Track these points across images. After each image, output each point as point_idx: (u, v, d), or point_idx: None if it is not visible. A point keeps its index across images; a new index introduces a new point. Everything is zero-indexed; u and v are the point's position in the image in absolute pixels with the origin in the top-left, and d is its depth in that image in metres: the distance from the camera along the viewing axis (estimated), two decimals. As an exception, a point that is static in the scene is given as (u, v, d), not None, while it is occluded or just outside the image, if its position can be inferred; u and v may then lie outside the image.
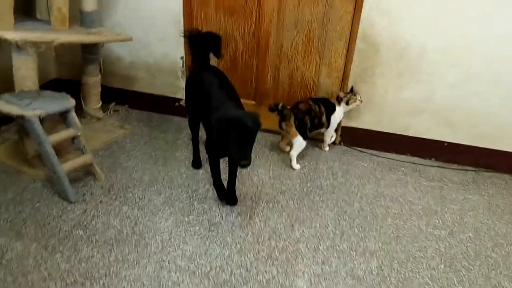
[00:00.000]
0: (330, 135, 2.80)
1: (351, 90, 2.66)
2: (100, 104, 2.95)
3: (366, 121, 2.80)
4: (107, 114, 3.05)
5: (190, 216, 2.15)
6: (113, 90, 3.13)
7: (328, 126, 2.71)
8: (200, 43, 2.28)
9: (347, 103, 2.65)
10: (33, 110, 2.08)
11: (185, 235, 2.02)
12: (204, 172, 2.51)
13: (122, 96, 3.17)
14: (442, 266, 1.93)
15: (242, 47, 2.82)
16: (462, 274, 1.89)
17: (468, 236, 2.14)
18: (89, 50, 2.74)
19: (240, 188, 2.36)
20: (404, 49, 2.55)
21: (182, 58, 2.95)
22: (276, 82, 2.87)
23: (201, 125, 2.36)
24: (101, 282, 1.72)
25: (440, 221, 2.24)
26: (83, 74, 2.81)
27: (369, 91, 2.71)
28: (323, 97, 2.75)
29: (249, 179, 2.47)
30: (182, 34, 2.66)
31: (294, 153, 2.60)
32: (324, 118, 2.65)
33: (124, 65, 3.10)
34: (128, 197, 2.25)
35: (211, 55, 2.33)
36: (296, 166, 2.61)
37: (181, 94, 3.05)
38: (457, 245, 2.07)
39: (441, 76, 2.57)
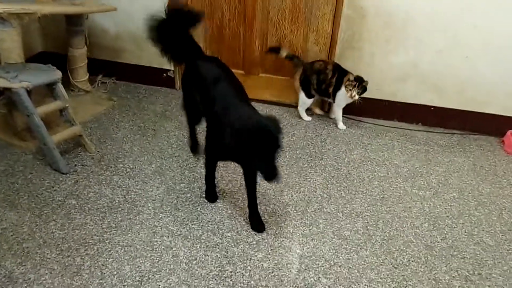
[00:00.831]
0: (336, 111, 2.75)
1: (360, 81, 2.53)
2: (87, 76, 2.93)
3: (354, 88, 2.82)
4: (94, 86, 3.04)
5: (181, 184, 2.18)
6: (100, 62, 3.10)
7: (334, 100, 2.70)
8: (185, 25, 2.04)
9: (345, 87, 2.57)
10: (20, 83, 2.07)
11: (177, 202, 2.06)
12: (194, 142, 2.53)
13: (109, 68, 3.15)
14: (426, 224, 2.00)
15: (229, 15, 2.80)
16: (445, 232, 1.97)
17: (452, 196, 2.20)
18: (74, 22, 2.70)
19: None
20: (390, 15, 2.54)
21: (168, 28, 2.92)
22: (264, 50, 2.86)
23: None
24: (95, 248, 1.77)
25: (425, 182, 2.30)
26: (68, 47, 2.78)
27: (356, 58, 2.72)
28: (349, 71, 2.63)
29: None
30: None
31: (299, 108, 2.78)
32: (331, 89, 2.64)
33: (110, 37, 3.06)
34: (119, 167, 2.28)
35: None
36: (305, 117, 2.81)
37: (168, 65, 3.03)
38: (441, 205, 2.14)
39: (428, 41, 2.57)
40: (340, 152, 2.53)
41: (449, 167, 2.44)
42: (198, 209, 2.02)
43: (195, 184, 2.18)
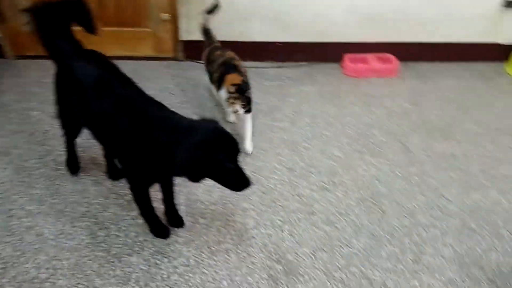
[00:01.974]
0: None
1: (243, 90, 1.94)
2: None
3: (205, 33, 2.80)
4: None
5: (31, 161, 1.97)
6: None
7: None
8: (55, 17, 1.55)
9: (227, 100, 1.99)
10: None
11: (30, 180, 1.86)
12: (37, 116, 2.27)
13: None
14: (286, 150, 2.18)
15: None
16: (303, 153, 2.17)
17: (306, 122, 2.42)
18: None
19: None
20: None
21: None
22: (99, 3, 2.61)
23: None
24: None
25: (282, 114, 2.47)
26: None
27: (201, 2, 2.67)
28: (237, 69, 2.08)
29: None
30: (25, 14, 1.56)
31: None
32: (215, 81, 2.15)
33: None
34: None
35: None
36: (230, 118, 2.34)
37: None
38: (297, 131, 2.33)
39: (266, -23, 2.66)
40: (202, 98, 2.55)
41: (300, 96, 2.65)
42: (57, 183, 1.86)
43: (48, 158, 1.99)
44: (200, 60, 2.89)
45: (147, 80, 2.63)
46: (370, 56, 2.98)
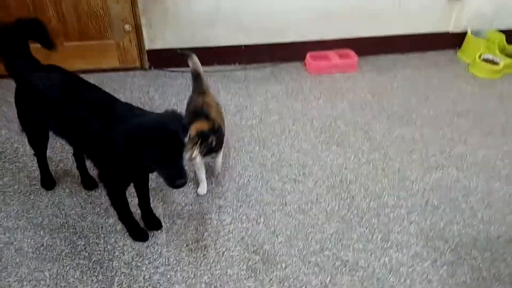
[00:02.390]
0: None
1: (204, 136, 1.72)
2: None
3: (169, 40, 2.86)
4: None
5: (4, 179, 1.97)
6: None
7: None
8: (13, 39, 1.58)
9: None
10: None
11: (4, 197, 1.87)
12: (5, 135, 2.27)
13: None
14: (257, 147, 2.26)
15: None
16: (273, 148, 2.25)
17: (274, 119, 2.50)
18: None
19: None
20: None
21: None
22: (60, 19, 2.63)
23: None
24: None
25: (250, 113, 2.55)
26: None
27: (162, 10, 2.73)
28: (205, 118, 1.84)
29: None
30: None
31: None
32: None
33: None
34: None
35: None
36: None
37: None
38: (266, 128, 2.41)
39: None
40: (171, 104, 2.59)
41: (267, 95, 2.74)
42: (32, 198, 1.87)
43: (20, 174, 2.00)
44: (166, 67, 2.97)
45: (115, 92, 2.65)
46: (330, 53, 3.10)
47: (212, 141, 1.75)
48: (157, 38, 2.84)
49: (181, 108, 2.51)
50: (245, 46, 3.01)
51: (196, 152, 1.70)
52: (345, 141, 2.32)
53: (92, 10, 2.63)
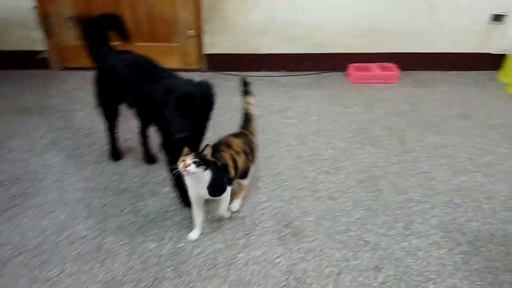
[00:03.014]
0: None
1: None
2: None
3: (226, 46, 3.20)
4: (-38, 78, 2.92)
5: (79, 150, 2.34)
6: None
7: None
8: (97, 29, 1.98)
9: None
10: None
11: (79, 164, 2.22)
12: (81, 116, 2.67)
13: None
14: (295, 142, 2.49)
15: (95, -11, 2.92)
16: (309, 144, 2.48)
17: (313, 120, 2.74)
18: None
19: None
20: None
21: (35, 7, 2.92)
22: (135, 21, 3.05)
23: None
24: (9, 212, 1.88)
25: (292, 113, 2.80)
26: None
27: (221, 19, 3.08)
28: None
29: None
30: (72, 22, 2.12)
31: None
32: None
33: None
34: (10, 146, 2.33)
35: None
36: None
37: (40, 46, 3.04)
38: (305, 127, 2.65)
39: (278, -2, 3.06)
40: (222, 102, 2.88)
41: (309, 99, 2.98)
42: (101, 166, 2.22)
43: (93, 147, 2.36)
44: (220, 70, 3.29)
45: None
46: (372, 65, 3.30)
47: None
48: (215, 44, 3.18)
49: (230, 106, 2.81)
50: (292, 54, 3.29)
51: (189, 161, 1.54)
52: (378, 143, 2.51)
53: (162, 16, 3.03)
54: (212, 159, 1.64)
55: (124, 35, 2.06)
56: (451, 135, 2.60)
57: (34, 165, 2.19)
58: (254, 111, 2.09)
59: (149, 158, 2.26)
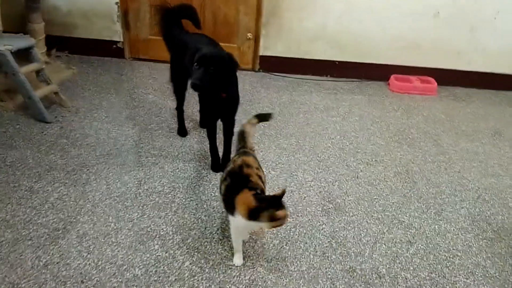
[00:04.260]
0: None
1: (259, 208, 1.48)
2: (46, 49, 3.24)
3: (279, 49, 3.54)
4: (50, 59, 3.36)
5: (151, 125, 2.70)
6: (53, 38, 3.41)
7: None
8: (175, 16, 2.43)
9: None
10: (4, 46, 2.41)
11: (151, 136, 2.58)
12: (152, 99, 3.04)
13: (62, 43, 3.48)
14: (338, 137, 2.78)
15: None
16: (351, 139, 2.75)
17: (355, 119, 3.02)
18: (32, -1, 3.03)
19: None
20: (302, -11, 3.30)
21: (117, 3, 3.36)
22: (202, 22, 3.42)
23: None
24: (95, 168, 2.23)
25: (335, 112, 3.09)
26: (28, 22, 3.08)
27: (278, 24, 3.43)
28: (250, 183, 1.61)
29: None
30: (155, 9, 2.56)
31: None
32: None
33: (62, 14, 3.40)
34: (95, 116, 2.72)
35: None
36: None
37: (117, 37, 3.47)
38: (348, 125, 2.93)
39: (331, 8, 3.37)
40: (272, 98, 3.23)
41: (352, 102, 3.27)
42: (170, 139, 2.57)
43: (163, 124, 2.71)
44: (271, 71, 3.62)
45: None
46: (413, 77, 3.56)
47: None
48: (269, 47, 3.53)
49: (280, 102, 3.12)
50: (339, 61, 3.59)
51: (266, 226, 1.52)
52: (415, 144, 2.75)
53: (226, 20, 3.41)
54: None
55: (197, 23, 2.50)
56: (483, 144, 2.81)
57: (114, 133, 2.56)
58: (250, 128, 1.97)
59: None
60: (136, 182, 2.17)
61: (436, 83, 3.51)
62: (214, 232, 1.90)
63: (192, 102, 2.86)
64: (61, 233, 1.81)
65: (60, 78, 3.11)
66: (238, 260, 1.76)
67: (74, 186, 2.09)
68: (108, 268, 1.67)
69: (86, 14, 3.40)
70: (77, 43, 3.49)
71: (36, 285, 1.57)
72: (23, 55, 2.60)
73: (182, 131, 2.63)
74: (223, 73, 1.99)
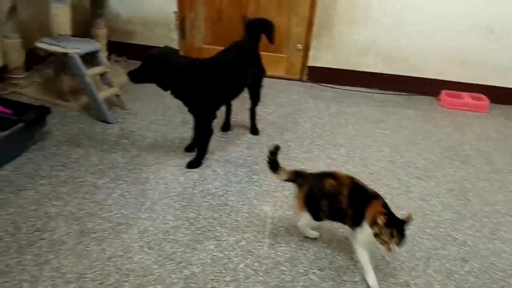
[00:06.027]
0: (358, 254, 1.78)
1: (399, 224, 1.62)
2: (107, 54, 3.43)
3: (328, 61, 3.57)
4: (110, 63, 3.54)
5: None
6: (112, 43, 3.60)
7: (353, 231, 1.75)
8: (255, 28, 2.55)
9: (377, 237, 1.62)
10: (73, 49, 2.58)
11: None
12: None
13: (120, 49, 3.66)
14: (388, 150, 2.77)
15: (227, 1, 3.44)
16: (402, 153, 2.74)
17: (405, 133, 3.00)
18: (98, 5, 3.21)
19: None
20: (354, 1, 3.32)
21: (175, 12, 3.51)
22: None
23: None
24: (153, 168, 2.34)
25: (385, 125, 3.08)
26: (92, 28, 3.28)
27: (329, 36, 3.47)
28: (374, 196, 1.78)
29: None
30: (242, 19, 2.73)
31: (301, 226, 1.93)
32: (348, 222, 1.78)
33: (122, 20, 3.59)
34: (152, 119, 2.85)
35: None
36: (312, 234, 1.96)
37: (174, 44, 3.62)
38: (398, 138, 2.92)
39: (382, 22, 3.38)
40: (321, 108, 3.26)
41: (401, 115, 3.25)
42: (222, 144, 2.65)
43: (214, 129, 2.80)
44: (319, 82, 3.65)
45: (280, 92, 3.44)
46: (464, 94, 3.49)
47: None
48: (319, 58, 3.57)
49: (328, 112, 3.15)
50: (388, 75, 3.57)
51: (393, 245, 1.59)
52: (468, 161, 2.70)
53: (277, 30, 3.43)
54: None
55: (270, 38, 2.57)
56: (541, 165, 2.73)
57: (170, 136, 2.68)
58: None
59: (254, 130, 2.80)
60: (192, 183, 2.25)
61: (488, 101, 3.43)
62: (266, 237, 1.94)
63: (241, 108, 2.94)
64: (123, 228, 1.91)
65: (119, 82, 3.26)
66: (372, 280, 1.73)
67: (135, 184, 2.20)
68: (168, 264, 1.75)
69: (145, 21, 3.57)
70: (135, 49, 3.66)
71: (102, 276, 1.67)
72: (89, 58, 2.77)
73: (226, 127, 2.81)
74: (156, 69, 2.15)
